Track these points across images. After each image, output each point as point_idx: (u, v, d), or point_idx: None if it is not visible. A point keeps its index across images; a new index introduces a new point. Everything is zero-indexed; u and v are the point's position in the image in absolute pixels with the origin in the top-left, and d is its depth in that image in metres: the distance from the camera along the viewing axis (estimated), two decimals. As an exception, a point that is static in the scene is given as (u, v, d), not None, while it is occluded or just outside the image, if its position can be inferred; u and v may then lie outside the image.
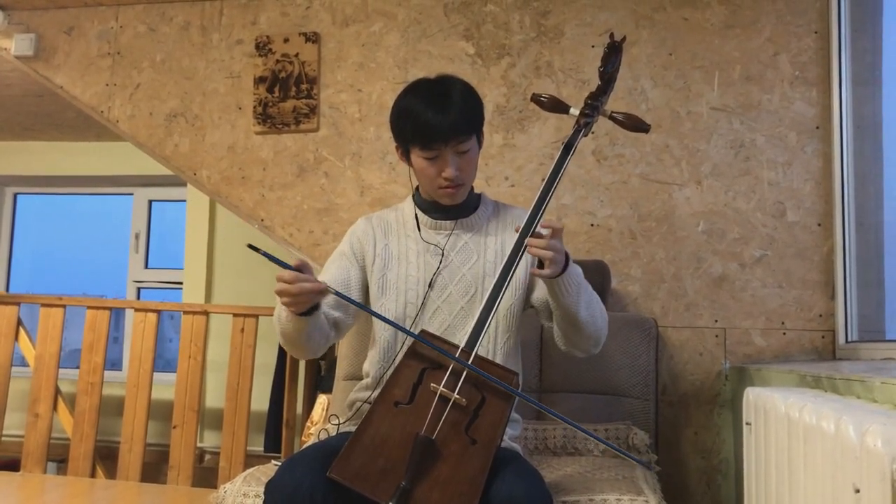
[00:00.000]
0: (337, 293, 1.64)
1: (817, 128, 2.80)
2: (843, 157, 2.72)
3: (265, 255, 1.60)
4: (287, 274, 1.58)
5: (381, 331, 1.86)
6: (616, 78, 1.92)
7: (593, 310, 1.77)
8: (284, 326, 1.72)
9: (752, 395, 1.88)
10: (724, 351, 2.80)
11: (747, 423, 1.90)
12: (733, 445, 2.74)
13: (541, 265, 1.66)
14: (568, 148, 1.81)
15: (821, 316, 2.75)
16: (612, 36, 1.91)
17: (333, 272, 1.89)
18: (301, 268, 1.58)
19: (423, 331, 1.71)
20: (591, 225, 2.93)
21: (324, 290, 1.61)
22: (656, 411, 2.48)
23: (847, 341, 2.67)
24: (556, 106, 1.89)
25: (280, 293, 1.59)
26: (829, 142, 2.77)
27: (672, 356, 2.82)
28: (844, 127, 2.73)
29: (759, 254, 2.81)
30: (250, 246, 1.62)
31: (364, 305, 1.82)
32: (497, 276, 1.71)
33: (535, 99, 1.92)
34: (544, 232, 1.65)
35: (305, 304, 1.62)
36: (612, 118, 1.86)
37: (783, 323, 2.77)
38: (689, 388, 2.82)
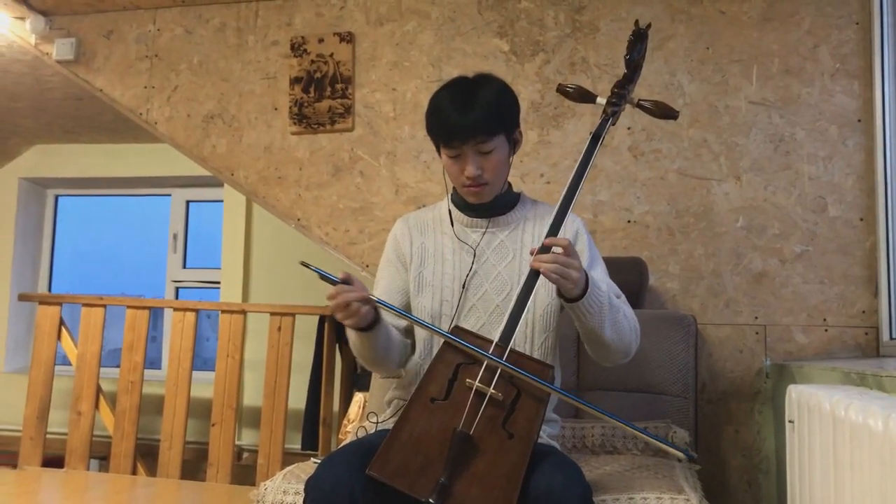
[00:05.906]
0: (379, 301, 1.65)
1: (859, 121, 2.75)
2: (885, 151, 2.67)
3: (316, 270, 1.61)
4: (332, 290, 1.59)
5: (418, 329, 1.86)
6: (642, 65, 1.90)
7: (620, 328, 1.72)
8: (356, 347, 1.75)
9: (794, 392, 1.84)
10: (764, 348, 2.76)
11: (790, 422, 1.87)
12: (774, 443, 2.70)
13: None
14: (596, 138, 1.79)
15: (864, 312, 2.70)
16: (636, 23, 1.89)
17: (387, 280, 1.91)
18: (345, 280, 1.60)
19: (456, 327, 1.70)
20: (628, 221, 2.90)
21: (369, 299, 1.62)
22: (696, 409, 2.45)
23: (892, 338, 2.61)
24: (583, 95, 1.88)
25: (332, 310, 1.62)
26: (872, 135, 2.72)
27: (711, 353, 2.79)
28: (887, 120, 2.68)
29: (800, 249, 2.76)
30: (303, 263, 1.64)
31: (406, 312, 1.78)
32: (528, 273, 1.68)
33: (562, 89, 1.91)
34: (557, 250, 1.59)
35: (359, 315, 1.61)
36: (639, 106, 1.85)
37: (825, 319, 2.72)
38: (728, 386, 2.78)
